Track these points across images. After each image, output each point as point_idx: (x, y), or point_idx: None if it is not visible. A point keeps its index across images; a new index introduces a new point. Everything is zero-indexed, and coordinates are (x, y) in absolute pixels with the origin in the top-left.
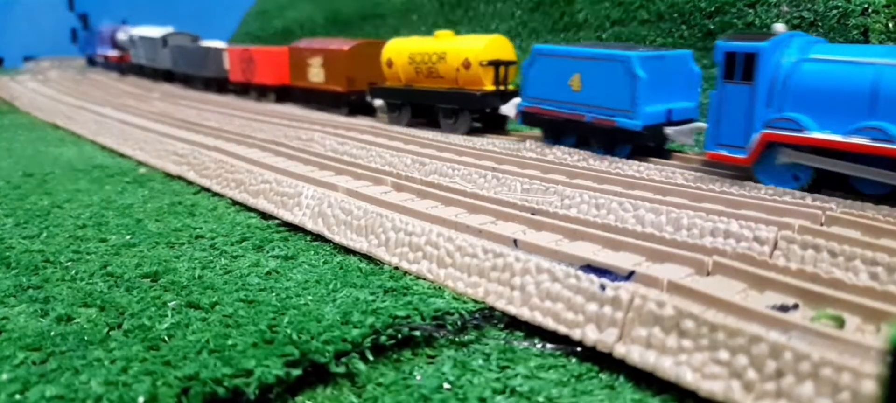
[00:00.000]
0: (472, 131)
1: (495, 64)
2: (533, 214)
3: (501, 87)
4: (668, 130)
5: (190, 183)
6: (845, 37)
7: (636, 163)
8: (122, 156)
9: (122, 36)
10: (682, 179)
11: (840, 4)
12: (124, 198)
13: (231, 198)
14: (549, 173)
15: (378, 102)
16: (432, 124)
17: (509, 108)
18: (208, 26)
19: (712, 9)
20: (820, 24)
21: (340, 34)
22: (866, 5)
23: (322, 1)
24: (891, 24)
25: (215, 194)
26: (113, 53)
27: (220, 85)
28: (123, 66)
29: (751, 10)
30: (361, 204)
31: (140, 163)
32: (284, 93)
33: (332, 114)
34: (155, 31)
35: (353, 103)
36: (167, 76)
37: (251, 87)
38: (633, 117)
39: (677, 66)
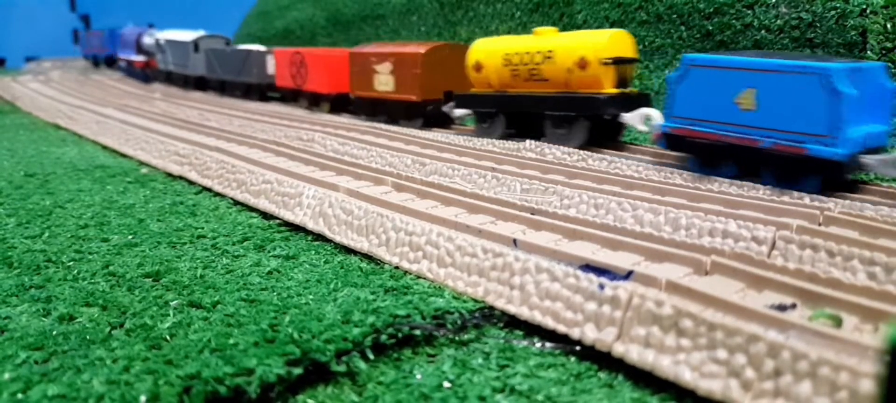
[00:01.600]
0: (587, 143)
1: (618, 61)
2: (532, 214)
3: (623, 90)
4: (868, 159)
5: (191, 183)
6: (844, 38)
7: (636, 162)
8: (123, 156)
9: (147, 40)
10: (680, 179)
11: (838, 5)
12: (126, 198)
13: (232, 198)
14: (548, 173)
15: (458, 112)
16: (533, 135)
17: (636, 119)
18: (209, 27)
19: (711, 10)
20: (818, 25)
21: (341, 35)
22: (865, 6)
23: (323, 2)
24: (889, 25)
25: (217, 194)
26: (138, 58)
27: (262, 92)
28: (148, 73)
29: (749, 12)
30: (362, 204)
31: (142, 164)
32: (341, 103)
33: (404, 127)
34: (185, 35)
35: (429, 114)
36: (198, 83)
37: (301, 95)
38: (832, 144)
39: (873, 79)
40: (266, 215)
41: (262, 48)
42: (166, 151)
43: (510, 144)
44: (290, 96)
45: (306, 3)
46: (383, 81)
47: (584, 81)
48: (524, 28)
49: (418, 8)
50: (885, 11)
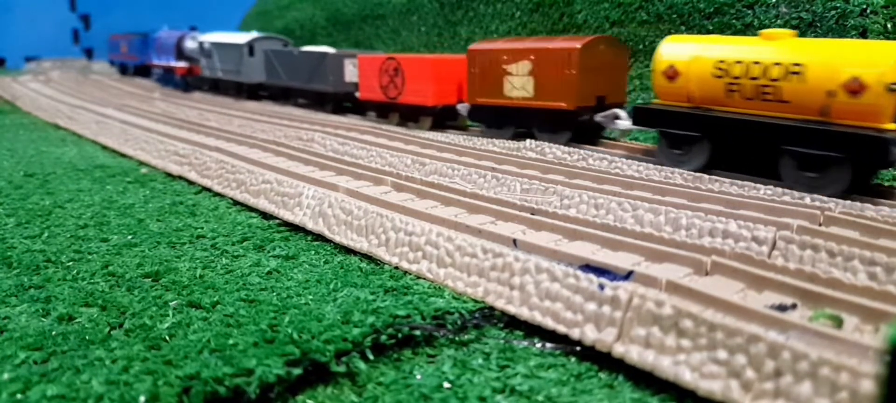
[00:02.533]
0: (847, 192)
1: None
2: (532, 214)
3: None
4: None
5: (191, 183)
6: (843, 37)
7: (636, 163)
8: (123, 156)
9: (190, 44)
10: (680, 179)
11: (838, 5)
12: (126, 198)
13: (232, 198)
14: (548, 173)
15: (622, 124)
16: (756, 170)
17: None
18: (208, 27)
19: (711, 10)
20: (819, 24)
21: (341, 35)
22: (865, 6)
23: (323, 2)
24: (889, 25)
25: (216, 194)
26: (180, 65)
27: (338, 103)
28: (190, 81)
29: (749, 11)
30: (362, 204)
31: (141, 164)
32: (445, 117)
33: (546, 142)
34: (236, 37)
35: (582, 126)
36: (253, 92)
37: (393, 109)
38: None
39: None
40: (266, 215)
41: (331, 50)
42: (166, 151)
43: (509, 144)
44: (377, 110)
45: (306, 3)
46: (518, 85)
47: (853, 111)
48: (524, 28)
49: (418, 8)
50: (885, 11)
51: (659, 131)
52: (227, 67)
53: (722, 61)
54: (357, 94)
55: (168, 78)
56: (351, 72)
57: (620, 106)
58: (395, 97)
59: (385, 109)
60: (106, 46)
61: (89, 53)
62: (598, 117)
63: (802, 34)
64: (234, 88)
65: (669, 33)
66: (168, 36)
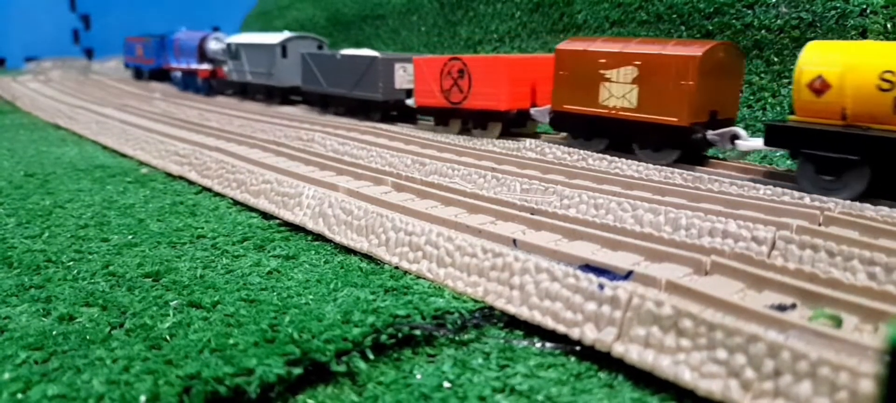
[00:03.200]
0: None
1: None
2: (532, 214)
3: None
4: None
5: (191, 183)
6: (844, 37)
7: (635, 163)
8: (123, 156)
9: (214, 45)
10: (680, 179)
11: (838, 5)
12: (126, 198)
13: (232, 198)
14: (548, 173)
15: (747, 143)
16: None
17: None
18: (208, 28)
19: (711, 10)
20: (818, 24)
21: (341, 35)
22: (865, 6)
23: (323, 2)
24: (889, 25)
25: (217, 194)
26: (202, 67)
27: (386, 112)
28: (214, 84)
29: (749, 11)
30: (362, 204)
31: (142, 164)
32: (516, 124)
33: (646, 161)
34: (267, 38)
35: (695, 144)
36: (286, 96)
37: (456, 115)
38: None
39: None
40: (266, 215)
41: (387, 55)
42: (166, 151)
43: (510, 144)
44: (436, 116)
45: (306, 3)
46: (618, 94)
47: None
48: (524, 28)
49: (418, 8)
50: (885, 11)
51: (801, 154)
52: (257, 70)
53: (890, 71)
54: (409, 101)
55: (189, 82)
56: (401, 78)
57: (731, 122)
58: (459, 102)
59: (446, 115)
60: (104, 46)
61: (89, 53)
62: (711, 135)
63: (803, 34)
64: (264, 93)
65: (670, 33)
66: (188, 37)
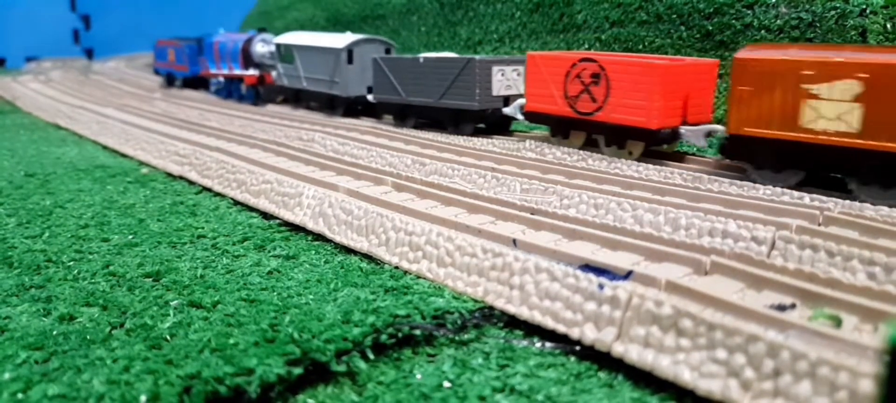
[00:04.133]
0: None
1: None
2: (532, 214)
3: None
4: None
5: (192, 183)
6: (843, 37)
7: (635, 163)
8: (123, 156)
9: (261, 48)
10: (680, 179)
11: (838, 5)
12: (126, 198)
13: (232, 198)
14: (548, 173)
15: None
16: None
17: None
18: (209, 29)
19: (711, 10)
20: (818, 24)
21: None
22: (864, 6)
23: (323, 2)
24: (888, 25)
25: (217, 194)
26: (249, 73)
27: (482, 121)
28: (262, 91)
29: (749, 12)
30: (362, 204)
31: (142, 164)
32: (661, 141)
33: (870, 202)
34: (329, 39)
35: None
36: (349, 107)
37: (586, 127)
38: None
39: None
40: (266, 215)
41: (483, 57)
42: (166, 151)
43: (510, 144)
44: (554, 126)
45: (306, 3)
46: (831, 115)
47: None
48: (524, 28)
49: (418, 8)
50: (884, 11)
51: None
52: (315, 76)
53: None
54: (507, 110)
55: (231, 89)
56: (499, 83)
57: None
58: (591, 112)
59: (566, 126)
60: (105, 46)
61: (90, 53)
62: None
63: (802, 34)
64: (325, 102)
65: (669, 33)
66: (229, 39)
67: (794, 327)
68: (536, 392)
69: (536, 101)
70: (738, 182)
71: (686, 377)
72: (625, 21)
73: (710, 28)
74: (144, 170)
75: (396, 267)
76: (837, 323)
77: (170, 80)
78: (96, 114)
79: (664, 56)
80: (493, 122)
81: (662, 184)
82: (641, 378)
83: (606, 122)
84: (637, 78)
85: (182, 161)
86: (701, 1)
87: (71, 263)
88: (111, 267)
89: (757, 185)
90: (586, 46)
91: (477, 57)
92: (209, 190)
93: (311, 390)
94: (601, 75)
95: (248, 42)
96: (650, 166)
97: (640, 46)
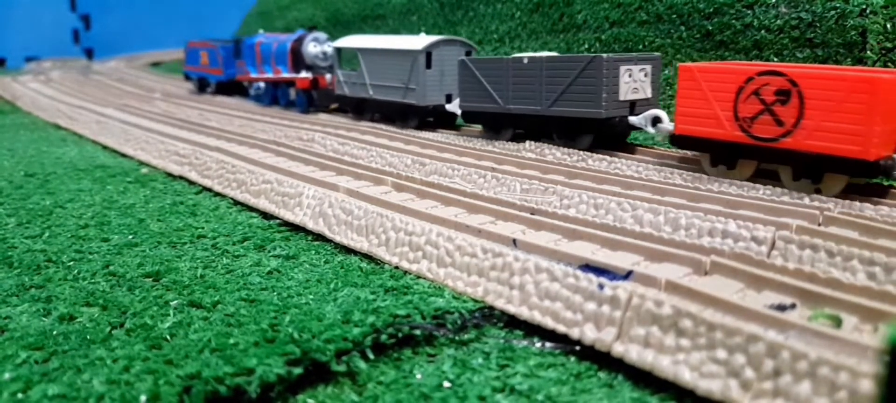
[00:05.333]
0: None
1: None
2: (532, 214)
3: None
4: None
5: (192, 183)
6: (843, 38)
7: (635, 163)
8: (123, 156)
9: (313, 49)
10: (680, 179)
11: (838, 5)
12: (126, 198)
13: (232, 198)
14: (548, 173)
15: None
16: None
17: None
18: (209, 29)
19: (711, 10)
20: (818, 25)
21: (341, 35)
22: (864, 6)
23: (323, 1)
24: (889, 25)
25: (217, 194)
26: (301, 76)
27: (607, 132)
28: (315, 96)
29: (749, 11)
30: (362, 204)
31: (142, 164)
32: (870, 172)
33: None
34: (402, 42)
35: None
36: (425, 117)
37: (763, 156)
38: None
39: None
40: (266, 215)
41: (611, 55)
42: (166, 151)
43: (510, 144)
44: (716, 152)
45: (306, 3)
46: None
47: None
48: (524, 28)
49: (418, 8)
50: (884, 11)
51: None
52: (384, 83)
53: None
54: (635, 120)
55: (277, 94)
56: (626, 86)
57: None
58: (774, 138)
59: (734, 154)
60: (105, 46)
61: (89, 53)
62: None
63: (802, 34)
64: (396, 113)
65: (669, 33)
66: (274, 40)
67: (795, 327)
68: (536, 392)
69: (691, 123)
70: (738, 182)
71: (686, 377)
72: (625, 21)
73: (710, 28)
74: (144, 170)
75: (396, 267)
76: (837, 323)
77: (202, 85)
78: (96, 114)
79: (860, 67)
80: (613, 134)
81: (662, 184)
82: (641, 378)
83: (797, 150)
84: (847, 95)
85: (182, 161)
86: (701, 1)
87: (71, 263)
88: (111, 267)
89: (757, 186)
90: (587, 47)
91: (603, 54)
92: (209, 190)
93: (311, 390)
94: (791, 92)
95: (299, 42)
96: (650, 166)
97: (641, 47)
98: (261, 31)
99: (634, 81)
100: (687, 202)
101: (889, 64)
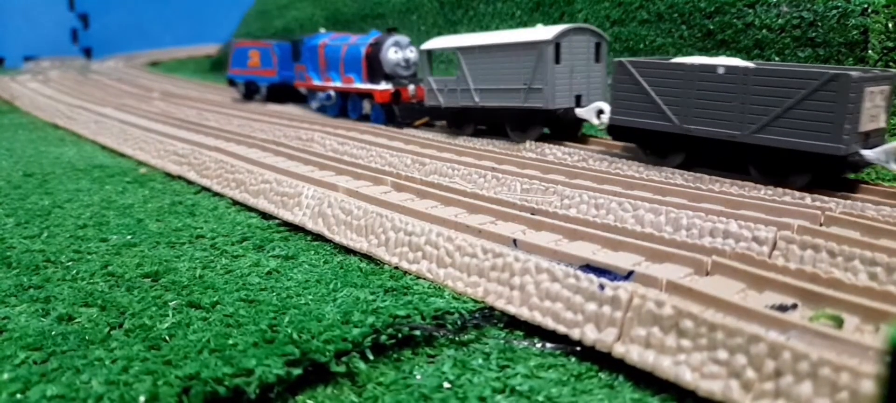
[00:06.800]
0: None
1: None
2: (532, 214)
3: None
4: None
5: (190, 183)
6: (845, 37)
7: (636, 163)
8: (122, 155)
9: (393, 55)
10: (681, 180)
11: (840, 4)
12: (125, 198)
13: (231, 198)
14: (548, 173)
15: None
16: None
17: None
18: (208, 28)
19: (712, 9)
20: (819, 24)
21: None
22: (866, 5)
23: (322, 1)
24: (890, 25)
25: (216, 194)
26: (381, 87)
27: (837, 174)
28: (398, 112)
29: (750, 11)
30: (361, 204)
31: (140, 163)
32: None
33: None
34: (518, 34)
35: None
36: (556, 127)
37: None
38: None
39: None
40: (265, 215)
41: (857, 71)
42: (165, 151)
43: (510, 144)
44: None
45: (306, 3)
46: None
47: None
48: (524, 28)
49: (418, 7)
50: (886, 11)
51: None
52: (497, 86)
53: None
54: (868, 154)
55: (352, 106)
56: (866, 113)
57: None
58: None
59: None
60: (103, 46)
61: (88, 53)
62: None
63: (804, 33)
64: (512, 120)
65: (670, 32)
66: (344, 42)
67: (796, 327)
68: (537, 392)
69: None
70: (740, 182)
71: (687, 377)
72: (626, 20)
73: (712, 27)
74: (143, 170)
75: (396, 268)
76: (839, 323)
77: (250, 91)
78: (95, 114)
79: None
80: (839, 173)
81: (663, 184)
82: (642, 378)
83: None
84: None
85: (181, 161)
86: (702, 0)
87: (69, 263)
88: (110, 268)
89: (758, 186)
90: None
91: (850, 70)
92: (208, 190)
93: (310, 391)
94: None
95: (375, 46)
96: (650, 166)
97: (642, 46)
98: (322, 29)
99: (874, 106)
100: (688, 202)
101: (891, 63)
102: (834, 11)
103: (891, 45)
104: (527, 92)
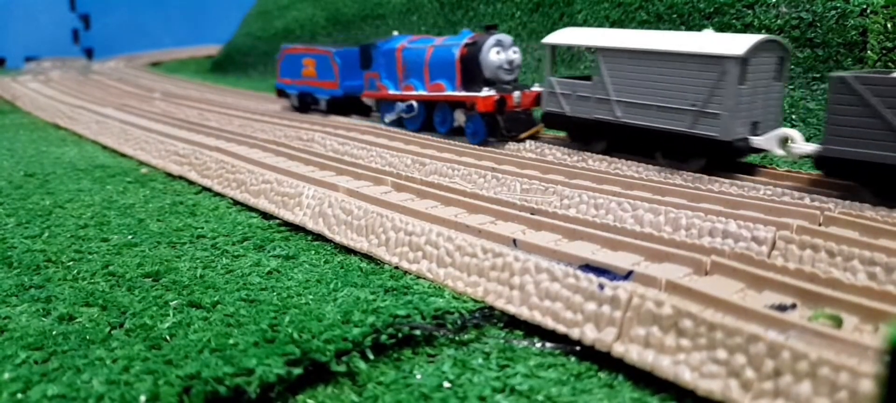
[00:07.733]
0: None
1: None
2: (532, 214)
3: None
4: None
5: (191, 183)
6: (844, 37)
7: (635, 163)
8: (123, 156)
9: (496, 57)
10: (680, 180)
11: (839, 5)
12: (126, 198)
13: (232, 198)
14: (548, 173)
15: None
16: None
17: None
18: (208, 28)
19: (711, 10)
20: (818, 24)
21: (341, 35)
22: (865, 6)
23: (323, 1)
24: (889, 25)
25: (217, 194)
26: (483, 94)
27: None
28: (503, 124)
29: (749, 11)
30: (362, 204)
31: (141, 163)
32: None
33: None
34: (688, 40)
35: None
36: (724, 158)
37: None
38: None
39: None
40: (266, 215)
41: None
42: (166, 151)
43: (510, 144)
44: None
45: (306, 3)
46: None
47: None
48: (524, 28)
49: (418, 7)
50: (885, 11)
51: None
52: (650, 101)
53: None
54: None
55: (443, 117)
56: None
57: None
58: None
59: None
60: (104, 46)
61: (89, 53)
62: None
63: (803, 33)
64: (672, 147)
65: None
66: (428, 44)
67: (795, 327)
68: (536, 392)
69: None
70: (739, 182)
71: (686, 377)
72: (625, 21)
73: (711, 28)
74: (144, 170)
75: (396, 267)
76: (838, 323)
77: (305, 103)
78: (96, 114)
79: None
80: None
81: (663, 184)
82: (642, 378)
83: None
84: None
85: (181, 161)
86: (701, 0)
87: (70, 263)
88: (111, 267)
89: (757, 186)
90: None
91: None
92: (209, 190)
93: (310, 390)
94: None
95: (473, 46)
96: (650, 166)
97: None
98: (396, 32)
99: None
100: (687, 202)
101: (890, 64)
102: (833, 12)
103: (890, 45)
104: (696, 115)
